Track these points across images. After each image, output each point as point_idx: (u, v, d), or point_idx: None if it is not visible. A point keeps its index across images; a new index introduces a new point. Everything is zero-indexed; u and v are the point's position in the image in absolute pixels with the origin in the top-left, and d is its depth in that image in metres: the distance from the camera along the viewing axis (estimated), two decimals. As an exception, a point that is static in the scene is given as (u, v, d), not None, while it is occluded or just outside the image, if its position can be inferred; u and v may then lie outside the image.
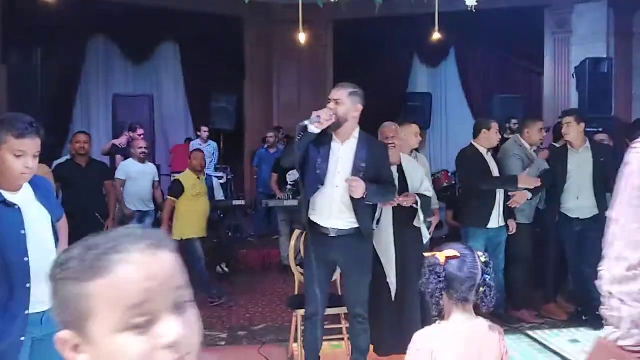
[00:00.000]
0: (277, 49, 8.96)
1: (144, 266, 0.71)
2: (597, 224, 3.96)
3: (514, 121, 6.53)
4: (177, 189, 4.88)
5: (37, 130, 1.99)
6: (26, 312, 2.00)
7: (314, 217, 2.91)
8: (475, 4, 3.43)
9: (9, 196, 2.02)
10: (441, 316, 1.66)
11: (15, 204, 2.01)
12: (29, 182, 2.12)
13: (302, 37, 4.48)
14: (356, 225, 2.89)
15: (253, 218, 7.35)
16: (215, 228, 5.87)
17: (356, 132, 2.95)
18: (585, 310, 4.10)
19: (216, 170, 7.66)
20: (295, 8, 4.41)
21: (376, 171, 2.95)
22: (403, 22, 8.11)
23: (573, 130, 4.07)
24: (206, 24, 8.49)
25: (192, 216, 4.84)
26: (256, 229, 7.14)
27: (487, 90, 8.80)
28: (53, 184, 4.20)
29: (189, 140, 8.37)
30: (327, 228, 2.88)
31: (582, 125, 4.09)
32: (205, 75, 9.06)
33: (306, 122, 2.79)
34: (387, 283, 3.36)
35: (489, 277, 1.64)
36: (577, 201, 4.09)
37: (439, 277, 1.59)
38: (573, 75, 7.79)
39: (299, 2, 4.43)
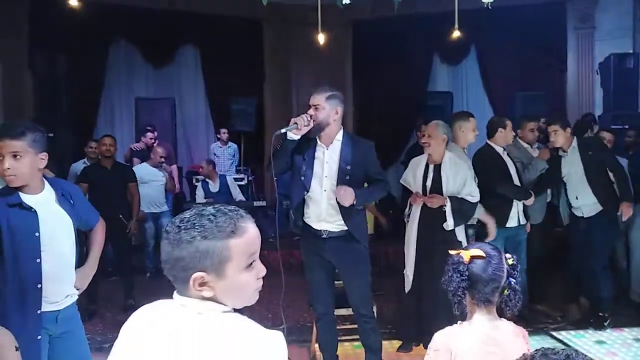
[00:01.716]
0: (296, 51, 8.99)
1: (255, 229, 1.20)
2: (602, 221, 3.94)
3: (542, 120, 6.44)
4: None
5: (11, 132, 2.04)
6: (38, 311, 2.08)
7: (307, 220, 2.96)
8: (492, 0, 3.39)
9: (27, 198, 2.09)
10: (463, 316, 1.63)
11: (31, 207, 2.08)
12: (52, 186, 2.19)
13: (321, 38, 4.48)
14: (346, 228, 2.91)
15: (274, 219, 7.37)
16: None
17: (340, 135, 2.96)
18: (592, 309, 4.04)
19: (237, 172, 7.72)
20: (314, 10, 4.42)
21: (364, 171, 2.96)
22: (422, 21, 8.06)
23: (561, 138, 4.01)
24: (225, 26, 8.56)
25: None
26: (278, 228, 7.15)
27: (508, 88, 8.68)
28: None
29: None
30: (319, 230, 2.93)
31: (569, 130, 4.05)
32: (225, 77, 9.12)
33: (283, 130, 2.82)
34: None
35: (514, 280, 1.59)
36: (577, 201, 4.03)
37: (461, 275, 1.56)
38: (597, 71, 7.64)
39: (318, 4, 4.44)
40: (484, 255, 1.58)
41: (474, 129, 3.88)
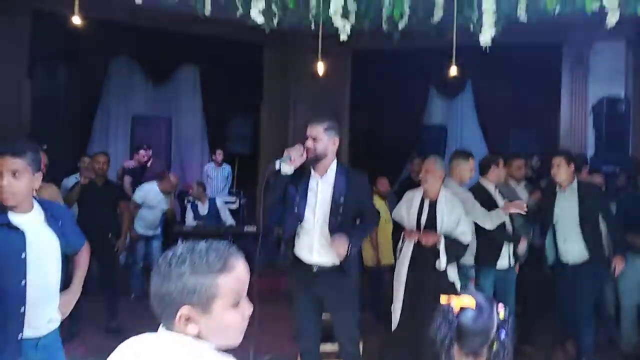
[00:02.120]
0: (295, 76, 9.08)
1: (245, 267, 1.19)
2: (588, 270, 3.85)
3: (535, 158, 6.51)
4: None
5: (13, 150, 2.02)
6: (20, 335, 2.01)
7: (298, 252, 2.92)
8: (490, 44, 3.45)
9: (16, 218, 2.04)
10: None
11: (19, 228, 2.03)
12: (42, 206, 2.14)
13: (321, 68, 4.52)
14: (337, 262, 2.88)
15: (263, 245, 7.32)
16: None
17: (334, 165, 2.96)
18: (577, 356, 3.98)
19: (229, 194, 7.70)
20: (315, 36, 4.47)
21: (357, 204, 2.96)
22: (420, 54, 8.18)
23: (563, 172, 3.94)
24: (226, 49, 8.65)
25: None
26: (266, 255, 7.10)
27: (503, 125, 8.78)
28: (61, 203, 4.27)
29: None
30: (310, 264, 2.88)
31: (572, 166, 3.97)
32: (223, 99, 9.18)
33: (277, 166, 2.80)
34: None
35: (504, 334, 1.53)
36: (565, 244, 3.92)
37: (450, 325, 1.51)
38: (590, 113, 7.77)
39: (319, 32, 4.50)
40: (474, 305, 1.52)
41: (471, 169, 3.91)
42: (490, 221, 3.72)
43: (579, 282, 3.88)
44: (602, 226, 3.95)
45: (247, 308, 1.21)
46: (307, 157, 2.84)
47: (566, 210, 3.95)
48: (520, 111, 9.13)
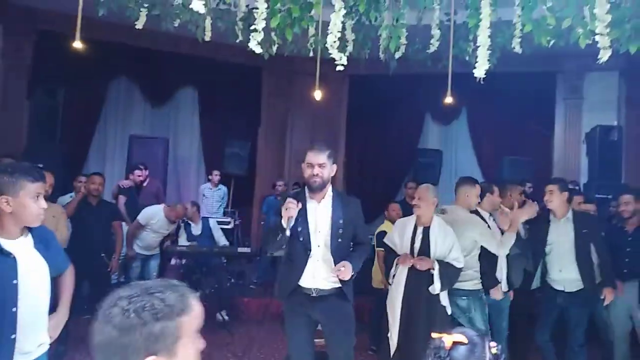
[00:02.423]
0: (293, 100, 9.19)
1: (199, 304, 1.18)
2: (581, 299, 3.86)
3: (528, 185, 6.54)
4: None
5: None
6: None
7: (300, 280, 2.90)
8: (484, 75, 3.52)
9: (7, 244, 2.02)
10: None
11: (10, 253, 2.00)
12: (30, 231, 2.13)
13: (318, 95, 4.59)
14: (338, 285, 2.90)
15: (257, 264, 7.32)
16: (216, 274, 5.86)
17: (330, 190, 3.00)
18: None
19: (224, 214, 7.70)
20: (313, 61, 4.55)
21: (353, 228, 2.99)
22: (416, 81, 8.29)
23: (556, 200, 3.93)
24: (225, 71, 8.75)
25: None
26: (260, 276, 7.10)
27: (497, 151, 8.86)
28: (66, 222, 4.28)
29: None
30: (309, 289, 2.88)
31: (565, 194, 3.97)
32: (221, 120, 9.27)
33: (288, 233, 2.77)
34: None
35: None
36: (561, 274, 3.91)
37: None
38: (583, 141, 7.85)
39: (317, 60, 4.58)
40: (466, 341, 1.50)
41: (477, 195, 3.92)
42: (503, 247, 3.74)
43: (573, 310, 3.88)
44: (593, 255, 3.96)
45: (200, 344, 1.19)
46: (314, 184, 2.87)
47: (562, 239, 3.94)
48: (515, 139, 9.23)
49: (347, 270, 2.79)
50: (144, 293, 1.11)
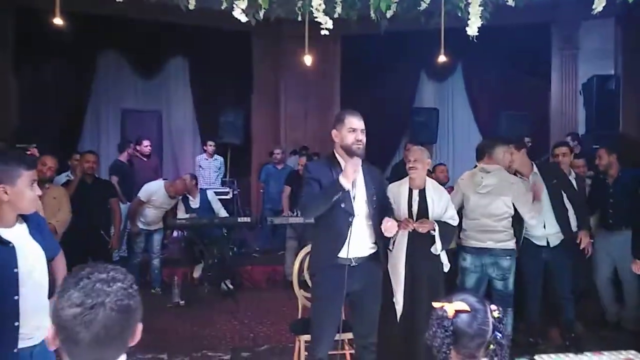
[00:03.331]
0: (284, 64, 9.03)
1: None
2: (565, 251, 3.91)
3: (527, 139, 6.51)
4: None
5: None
6: (15, 349, 2.00)
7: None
8: (477, 33, 3.43)
9: (5, 233, 2.03)
10: None
11: (9, 242, 2.01)
12: (23, 218, 2.13)
13: (308, 60, 4.49)
14: (374, 250, 2.87)
15: (259, 233, 7.36)
16: (218, 244, 5.90)
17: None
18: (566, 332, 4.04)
19: (223, 184, 7.69)
20: (303, 23, 4.43)
21: (381, 195, 2.97)
22: (410, 38, 8.13)
23: (516, 159, 3.90)
24: (214, 39, 8.57)
25: None
26: (262, 244, 7.14)
27: (493, 107, 8.79)
28: (67, 203, 4.28)
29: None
30: (348, 259, 2.77)
31: (524, 151, 3.94)
32: (214, 89, 9.14)
33: (348, 186, 2.68)
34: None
35: (500, 334, 1.53)
36: (545, 229, 3.89)
37: (446, 331, 1.50)
38: (580, 92, 7.78)
39: (306, 21, 4.46)
40: (469, 309, 1.52)
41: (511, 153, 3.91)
42: (534, 212, 3.73)
43: (560, 262, 3.93)
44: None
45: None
46: (358, 150, 2.77)
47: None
48: (511, 93, 9.14)
49: (393, 225, 2.75)
50: (102, 281, 1.12)
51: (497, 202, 3.67)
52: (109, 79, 8.76)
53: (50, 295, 2.20)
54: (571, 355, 3.99)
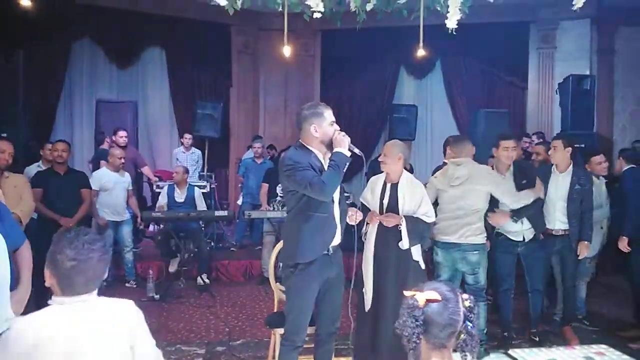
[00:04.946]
0: (264, 57, 8.95)
1: None
2: (536, 244, 3.99)
3: (532, 134, 6.59)
4: None
5: None
6: None
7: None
8: (456, 26, 3.43)
9: None
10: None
11: None
12: None
13: (287, 50, 4.45)
14: (341, 239, 2.88)
15: (236, 227, 7.29)
16: (194, 238, 5.81)
17: None
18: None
19: (200, 177, 7.59)
20: (283, 17, 4.38)
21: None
22: (390, 34, 8.15)
23: (515, 154, 3.99)
24: (193, 30, 8.45)
25: None
26: (239, 238, 7.08)
27: (472, 104, 8.86)
28: (30, 192, 4.13)
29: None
30: (329, 248, 2.80)
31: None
32: (191, 81, 9.01)
33: (354, 149, 2.73)
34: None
35: (471, 324, 1.51)
36: (522, 225, 3.93)
37: (416, 320, 1.47)
38: (556, 91, 7.88)
39: (285, 12, 4.41)
40: (440, 298, 1.49)
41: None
42: (519, 200, 3.78)
43: (531, 257, 4.00)
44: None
45: None
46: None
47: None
48: (489, 90, 9.24)
49: (357, 215, 2.81)
50: (89, 240, 1.61)
51: (471, 195, 3.67)
52: (83, 67, 8.56)
53: (12, 287, 2.12)
54: (544, 349, 4.06)
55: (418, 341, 1.48)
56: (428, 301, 1.49)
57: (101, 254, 1.60)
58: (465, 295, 1.55)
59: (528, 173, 4.03)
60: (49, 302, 1.59)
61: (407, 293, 1.54)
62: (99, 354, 1.54)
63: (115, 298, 1.67)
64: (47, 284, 1.60)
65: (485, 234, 3.79)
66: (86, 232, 1.63)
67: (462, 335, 1.51)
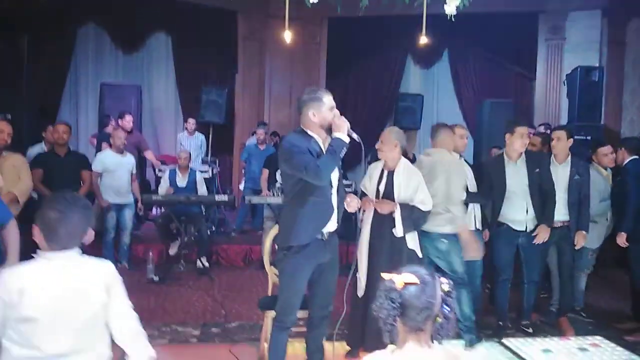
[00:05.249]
0: (270, 43, 8.91)
1: None
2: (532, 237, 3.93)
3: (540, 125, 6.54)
4: None
5: None
6: None
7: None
8: (455, 13, 3.39)
9: None
10: (395, 342, 1.55)
11: None
12: None
13: (288, 36, 4.43)
14: (337, 226, 2.87)
15: (237, 212, 7.32)
16: (195, 222, 5.84)
17: None
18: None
19: (203, 163, 7.61)
20: (289, 2, 4.37)
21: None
22: (397, 22, 8.07)
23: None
24: (199, 15, 8.43)
25: None
26: (240, 223, 7.11)
27: (478, 94, 8.80)
28: (28, 172, 4.17)
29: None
30: (323, 233, 2.79)
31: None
32: (197, 67, 9.01)
33: (352, 134, 2.71)
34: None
35: (448, 308, 1.52)
36: (527, 215, 3.91)
37: (393, 302, 1.48)
38: (564, 82, 7.79)
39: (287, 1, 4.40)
40: (418, 281, 1.50)
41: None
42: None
43: (532, 248, 3.95)
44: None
45: None
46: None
47: (518, 180, 3.92)
48: (496, 81, 9.15)
49: (354, 201, 2.83)
50: (72, 199, 1.77)
51: (434, 184, 3.55)
52: (89, 51, 8.59)
53: (0, 263, 2.13)
54: (538, 339, 4.06)
55: (394, 323, 1.50)
56: (406, 284, 1.50)
57: (83, 209, 1.75)
58: (443, 280, 1.56)
59: (541, 160, 4.00)
60: (34, 255, 1.71)
61: (385, 275, 1.54)
62: (77, 305, 1.68)
63: (96, 258, 1.79)
64: (34, 238, 1.72)
65: (455, 225, 3.63)
66: (72, 193, 1.81)
67: (438, 319, 1.52)
